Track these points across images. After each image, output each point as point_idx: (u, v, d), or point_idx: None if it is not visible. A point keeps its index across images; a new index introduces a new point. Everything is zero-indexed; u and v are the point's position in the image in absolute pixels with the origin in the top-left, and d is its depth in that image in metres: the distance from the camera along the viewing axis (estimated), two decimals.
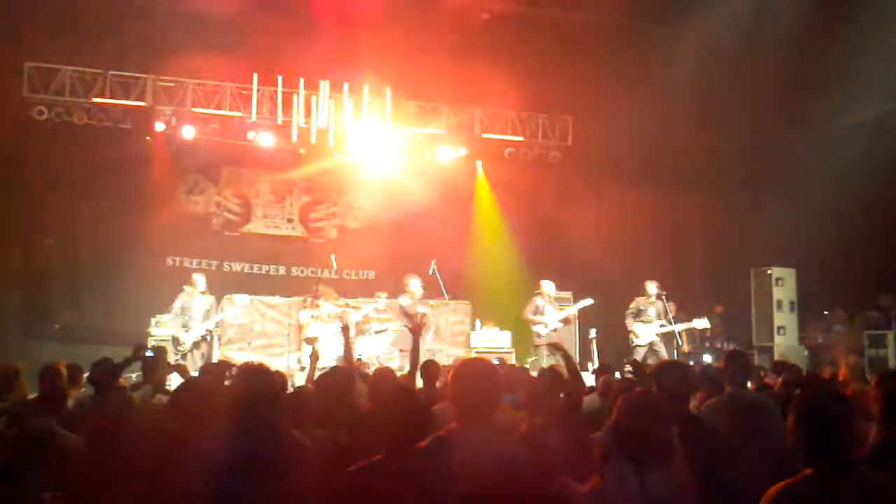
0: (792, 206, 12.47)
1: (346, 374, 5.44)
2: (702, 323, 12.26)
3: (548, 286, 12.57)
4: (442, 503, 2.84)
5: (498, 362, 9.28)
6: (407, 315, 11.76)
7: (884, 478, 2.92)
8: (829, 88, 12.07)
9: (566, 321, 12.60)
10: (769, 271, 13.35)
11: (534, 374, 7.01)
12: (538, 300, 12.49)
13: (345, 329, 7.16)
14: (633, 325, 12.18)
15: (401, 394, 3.90)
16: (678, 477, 3.11)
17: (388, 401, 3.72)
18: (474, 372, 3.27)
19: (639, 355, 11.62)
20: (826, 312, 13.29)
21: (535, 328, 12.40)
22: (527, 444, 3.51)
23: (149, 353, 6.35)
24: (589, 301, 12.57)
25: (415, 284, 11.93)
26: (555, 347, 7.56)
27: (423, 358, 6.70)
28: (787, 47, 11.51)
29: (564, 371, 5.30)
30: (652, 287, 12.22)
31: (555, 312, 12.46)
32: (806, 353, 12.91)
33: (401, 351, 11.56)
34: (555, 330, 12.35)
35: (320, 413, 4.56)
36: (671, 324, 12.15)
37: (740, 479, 3.81)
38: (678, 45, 12.20)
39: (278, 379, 4.00)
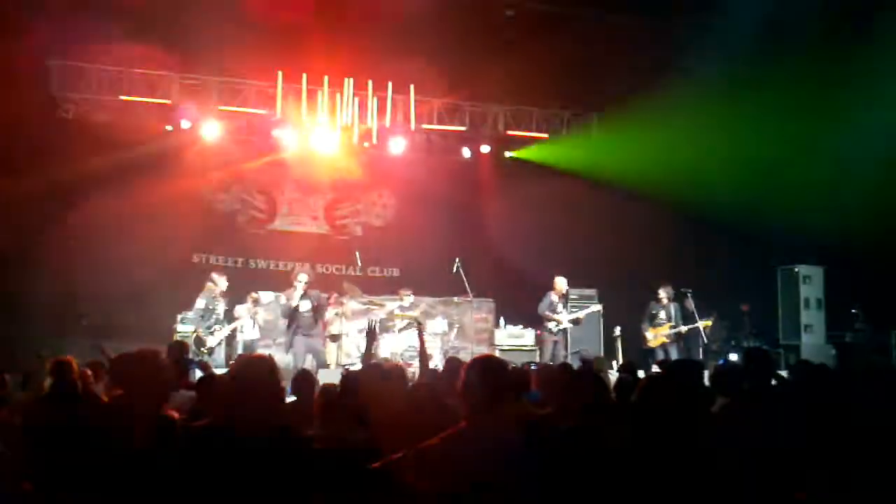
0: (822, 201, 12.29)
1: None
2: (703, 322, 12.45)
3: (560, 282, 12.71)
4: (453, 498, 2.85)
5: (535, 366, 9.31)
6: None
7: None
8: (861, 82, 11.88)
9: (576, 322, 12.82)
10: (796, 269, 13.18)
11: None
12: (552, 296, 12.66)
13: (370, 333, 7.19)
14: (646, 331, 12.59)
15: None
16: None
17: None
18: (483, 369, 3.32)
19: (654, 359, 11.84)
20: (854, 311, 13.09)
21: (548, 324, 12.59)
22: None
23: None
24: (598, 307, 13.10)
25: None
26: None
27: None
28: (818, 40, 11.35)
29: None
30: (663, 292, 12.51)
31: (566, 312, 12.67)
32: (833, 351, 12.74)
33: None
34: (563, 329, 12.61)
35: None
36: (679, 325, 12.42)
37: (752, 475, 3.76)
38: (704, 41, 12.08)
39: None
